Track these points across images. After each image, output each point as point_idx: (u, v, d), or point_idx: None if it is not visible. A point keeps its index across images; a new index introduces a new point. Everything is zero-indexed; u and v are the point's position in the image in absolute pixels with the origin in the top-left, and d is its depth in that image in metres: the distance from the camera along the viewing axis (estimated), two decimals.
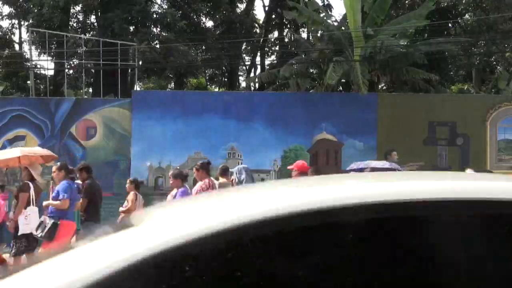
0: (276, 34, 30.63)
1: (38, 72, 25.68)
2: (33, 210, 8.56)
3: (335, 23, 19.11)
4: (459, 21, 24.15)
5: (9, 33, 27.86)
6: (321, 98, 15.09)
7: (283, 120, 14.25)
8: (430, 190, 1.90)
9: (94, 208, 9.41)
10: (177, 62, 22.41)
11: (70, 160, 13.85)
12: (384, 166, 10.68)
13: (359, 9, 16.48)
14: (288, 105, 14.42)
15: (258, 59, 30.93)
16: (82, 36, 20.53)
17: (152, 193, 13.46)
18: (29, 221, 8.46)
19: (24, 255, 9.13)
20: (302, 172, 8.40)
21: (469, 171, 10.18)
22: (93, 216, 9.43)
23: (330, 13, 23.84)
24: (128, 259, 1.64)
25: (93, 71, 22.95)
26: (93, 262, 1.67)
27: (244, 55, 31.09)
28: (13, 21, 26.79)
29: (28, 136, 14.03)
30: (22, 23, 26.94)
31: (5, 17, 25.53)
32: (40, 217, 8.57)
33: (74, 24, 24.24)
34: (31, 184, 8.76)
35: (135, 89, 21.14)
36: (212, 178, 9.03)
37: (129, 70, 22.53)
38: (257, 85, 25.87)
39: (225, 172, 10.32)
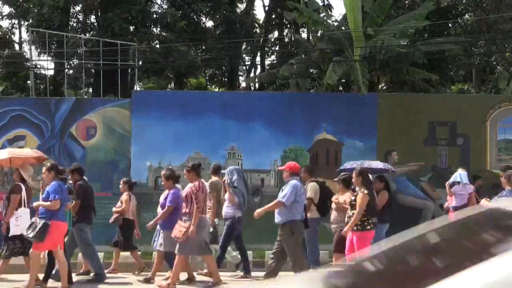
0: (276, 34, 30.63)
1: (38, 72, 25.69)
2: (24, 211, 8.53)
3: (335, 23, 19.12)
4: (459, 21, 24.15)
5: (9, 33, 27.89)
6: (321, 98, 15.08)
7: (283, 120, 14.23)
8: None
9: (86, 210, 9.38)
10: (177, 62, 22.42)
11: (70, 160, 13.86)
12: (377, 166, 10.67)
13: (359, 9, 16.49)
14: (288, 105, 14.41)
15: (258, 59, 30.95)
16: (82, 36, 20.53)
17: (152, 193, 13.47)
18: (20, 222, 8.43)
19: (18, 256, 9.14)
20: (293, 173, 8.38)
21: (460, 170, 10.18)
22: (85, 218, 9.40)
23: (330, 13, 23.83)
24: None
25: (93, 71, 22.96)
26: None
27: (244, 55, 31.10)
28: (13, 21, 26.82)
29: (28, 136, 14.02)
30: (22, 23, 26.95)
31: (5, 17, 25.53)
32: (31, 218, 8.54)
33: (74, 24, 24.24)
34: (22, 186, 8.72)
35: (135, 89, 21.15)
36: (202, 180, 9.04)
37: (129, 70, 22.56)
38: (257, 85, 25.88)
39: (217, 171, 10.33)
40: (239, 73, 31.57)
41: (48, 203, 8.29)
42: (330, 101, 14.75)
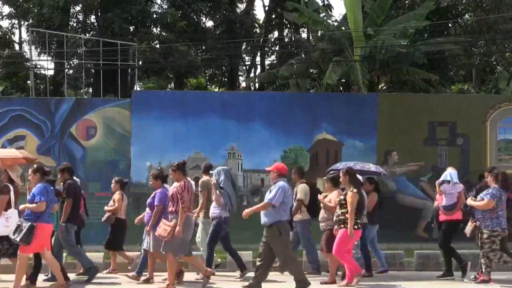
0: (276, 34, 30.61)
1: (38, 72, 25.67)
2: (14, 212, 8.47)
3: (335, 23, 19.12)
4: (459, 21, 24.14)
5: (9, 33, 27.87)
6: (321, 98, 15.08)
7: (283, 120, 14.24)
8: None
9: (73, 210, 9.34)
10: (177, 62, 22.41)
11: (70, 160, 13.86)
12: (370, 169, 10.69)
13: (359, 9, 16.48)
14: (288, 105, 14.41)
15: (258, 59, 30.93)
16: (82, 36, 20.52)
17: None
18: (10, 223, 8.38)
19: (6, 258, 9.11)
20: (281, 174, 8.38)
21: (450, 169, 10.21)
22: (72, 218, 9.35)
23: (330, 13, 23.82)
24: None
25: (93, 71, 22.95)
26: None
27: (244, 55, 31.08)
28: (13, 21, 26.79)
29: (28, 136, 14.02)
30: (22, 23, 26.93)
31: (5, 17, 25.51)
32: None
33: (74, 24, 24.21)
34: (11, 186, 8.69)
35: (135, 89, 21.15)
36: (188, 179, 9.04)
37: (129, 70, 22.55)
38: (257, 85, 25.87)
39: (208, 170, 10.32)
40: (239, 73, 31.56)
41: (34, 205, 8.25)
42: (330, 101, 14.75)
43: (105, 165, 13.87)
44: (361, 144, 14.30)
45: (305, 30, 28.56)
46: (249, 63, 31.54)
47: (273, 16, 29.72)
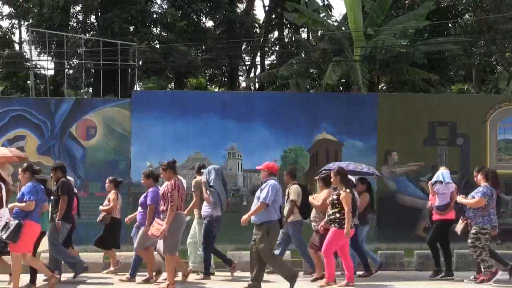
0: (276, 34, 30.60)
1: (38, 72, 25.67)
2: (5, 211, 8.45)
3: (335, 23, 19.12)
4: (459, 21, 24.14)
5: (9, 33, 27.86)
6: (321, 98, 15.08)
7: (283, 120, 14.24)
8: None
9: (69, 208, 9.33)
10: (177, 62, 22.41)
11: (70, 160, 13.87)
12: (362, 170, 10.71)
13: (360, 9, 16.48)
14: (288, 105, 14.41)
15: (258, 59, 30.92)
16: (82, 36, 20.52)
17: None
18: (2, 222, 8.36)
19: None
20: (271, 173, 8.39)
21: (442, 169, 10.24)
22: (69, 216, 9.34)
23: (330, 13, 23.82)
24: None
25: (93, 71, 22.95)
26: None
27: (244, 55, 31.07)
28: (13, 21, 26.79)
29: (28, 136, 14.02)
30: (22, 23, 26.93)
31: (5, 17, 25.51)
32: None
33: (74, 24, 24.20)
34: (2, 185, 8.67)
35: (135, 89, 21.15)
36: (179, 177, 9.05)
37: (129, 70, 22.54)
38: (257, 85, 25.86)
39: (201, 170, 10.33)
40: (239, 73, 31.55)
41: (23, 204, 8.23)
42: (330, 101, 14.75)
43: (105, 165, 13.86)
44: (361, 144, 14.30)
45: (305, 30, 28.56)
46: (249, 63, 31.55)
47: (273, 16, 29.71)
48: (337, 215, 8.74)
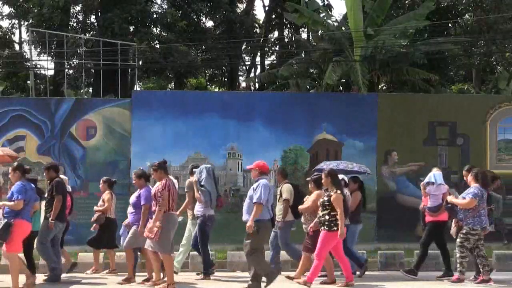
0: (276, 34, 30.60)
1: (38, 72, 25.66)
2: None
3: (335, 23, 19.11)
4: (459, 21, 24.14)
5: (9, 33, 27.85)
6: (321, 98, 15.09)
7: (283, 120, 14.25)
8: None
9: (62, 208, 9.33)
10: (177, 62, 22.41)
11: (70, 160, 13.87)
12: (353, 169, 10.71)
13: (360, 9, 16.47)
14: (288, 105, 14.42)
15: (258, 59, 30.91)
16: (82, 36, 20.52)
17: None
18: None
19: None
20: (262, 172, 8.40)
21: (435, 170, 10.26)
22: (62, 216, 9.34)
23: (330, 13, 23.81)
24: None
25: (93, 71, 22.95)
26: None
27: (244, 55, 31.07)
28: (13, 21, 26.77)
29: (28, 136, 14.02)
30: (22, 23, 26.91)
31: (5, 17, 25.50)
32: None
33: (74, 24, 24.20)
34: None
35: (135, 89, 21.14)
36: (171, 177, 9.05)
37: (129, 70, 22.54)
38: (257, 85, 25.86)
39: (193, 171, 10.33)
40: (239, 73, 31.55)
41: (12, 203, 8.24)
42: (330, 101, 14.75)
43: (105, 165, 13.86)
44: (361, 144, 14.30)
45: (305, 30, 28.56)
46: (249, 63, 31.54)
47: (273, 16, 29.70)
48: (327, 217, 8.70)
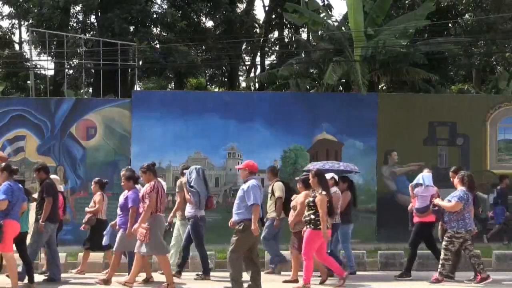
0: (276, 34, 30.59)
1: (38, 72, 25.67)
2: None
3: (335, 23, 19.10)
4: (459, 21, 24.13)
5: (9, 33, 27.84)
6: (321, 98, 15.09)
7: (283, 120, 14.25)
8: None
9: (53, 208, 9.31)
10: (177, 62, 22.40)
11: (70, 160, 13.87)
12: (340, 168, 10.71)
13: (361, 9, 16.47)
14: (288, 105, 14.42)
15: (258, 59, 30.91)
16: (82, 36, 20.51)
17: None
18: None
19: None
20: (252, 172, 8.39)
21: (425, 172, 10.28)
22: (53, 217, 9.32)
23: (330, 13, 23.80)
24: None
25: (93, 71, 22.95)
26: None
27: (244, 55, 31.07)
28: (13, 21, 26.77)
29: (28, 136, 14.03)
30: (22, 23, 26.91)
31: (5, 17, 25.50)
32: None
33: (74, 24, 24.19)
34: None
35: (135, 89, 21.15)
36: (159, 179, 9.06)
37: (129, 70, 22.53)
38: (257, 85, 25.85)
39: (183, 171, 10.33)
40: (239, 73, 31.54)
41: None
42: (330, 101, 14.76)
43: (105, 165, 13.87)
44: (361, 144, 14.31)
45: (305, 30, 28.55)
46: (249, 63, 31.55)
47: (273, 16, 29.69)
48: (312, 216, 8.72)
